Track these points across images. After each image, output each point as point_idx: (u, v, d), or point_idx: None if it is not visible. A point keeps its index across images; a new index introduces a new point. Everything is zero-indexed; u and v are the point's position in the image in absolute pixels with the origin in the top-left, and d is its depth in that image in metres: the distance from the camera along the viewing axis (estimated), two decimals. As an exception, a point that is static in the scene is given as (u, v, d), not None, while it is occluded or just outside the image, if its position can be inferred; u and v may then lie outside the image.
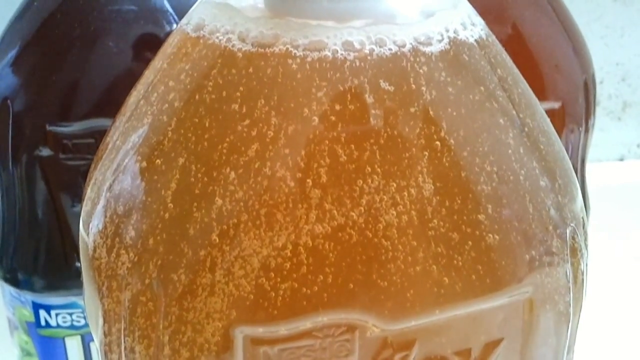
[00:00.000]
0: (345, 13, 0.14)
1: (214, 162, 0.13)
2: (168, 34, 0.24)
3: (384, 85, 0.13)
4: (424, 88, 0.13)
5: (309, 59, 0.13)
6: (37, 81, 0.24)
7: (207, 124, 0.13)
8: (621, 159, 0.45)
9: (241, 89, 0.13)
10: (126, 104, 0.16)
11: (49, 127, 0.24)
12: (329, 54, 0.13)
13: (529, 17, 0.27)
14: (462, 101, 0.14)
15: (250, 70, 0.13)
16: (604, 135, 0.44)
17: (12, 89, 0.24)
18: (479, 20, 0.16)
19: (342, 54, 0.13)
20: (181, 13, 0.24)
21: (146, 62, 0.24)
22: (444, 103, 0.13)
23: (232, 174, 0.13)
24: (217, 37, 0.14)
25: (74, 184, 0.25)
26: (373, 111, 0.13)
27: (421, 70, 0.13)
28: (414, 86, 0.13)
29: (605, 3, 0.40)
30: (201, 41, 0.14)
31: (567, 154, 0.29)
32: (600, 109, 0.43)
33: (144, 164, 0.14)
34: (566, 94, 0.27)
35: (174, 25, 0.24)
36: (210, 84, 0.14)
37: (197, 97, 0.14)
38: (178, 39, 0.15)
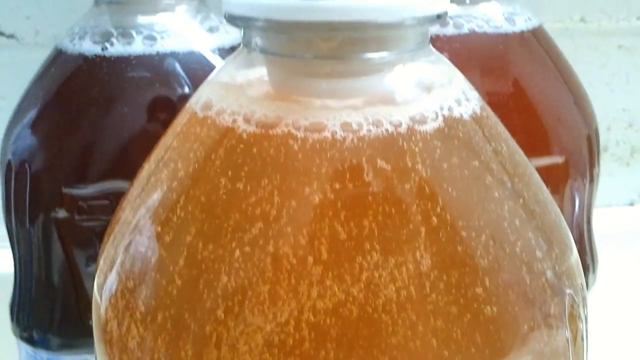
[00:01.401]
0: (343, 92, 0.15)
1: (220, 240, 0.14)
2: (180, 97, 0.25)
3: (381, 164, 0.14)
4: (419, 166, 0.14)
5: (309, 140, 0.14)
6: (53, 144, 0.25)
7: (213, 202, 0.14)
8: (631, 204, 0.45)
9: (246, 168, 0.14)
10: (138, 177, 0.17)
11: (64, 190, 0.25)
12: (329, 135, 0.14)
13: (530, 71, 0.27)
14: (457, 177, 0.14)
15: (255, 150, 0.14)
16: (613, 181, 0.44)
17: (29, 151, 0.25)
18: (473, 95, 0.16)
19: (341, 135, 0.14)
20: (192, 76, 0.25)
21: (160, 125, 0.25)
22: (439, 180, 0.14)
23: (237, 252, 0.13)
24: (224, 118, 0.15)
25: (89, 244, 0.25)
26: (371, 189, 0.14)
27: (417, 149, 0.14)
28: (410, 164, 0.14)
29: (609, 51, 0.41)
30: (209, 121, 0.15)
31: (573, 207, 0.30)
32: (609, 155, 0.43)
33: (154, 240, 0.14)
34: (569, 149, 0.28)
35: (186, 89, 0.25)
36: (217, 163, 0.14)
37: (204, 175, 0.14)
38: (187, 118, 0.16)
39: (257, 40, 0.15)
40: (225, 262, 0.13)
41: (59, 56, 0.26)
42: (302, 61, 0.15)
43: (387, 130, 0.14)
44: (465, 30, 0.27)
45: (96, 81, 0.25)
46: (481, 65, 0.27)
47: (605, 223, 0.44)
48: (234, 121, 0.15)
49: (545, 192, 0.17)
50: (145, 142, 0.25)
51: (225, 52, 0.26)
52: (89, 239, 0.25)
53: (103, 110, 0.25)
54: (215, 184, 0.14)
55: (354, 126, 0.14)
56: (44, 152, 0.25)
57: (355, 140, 0.14)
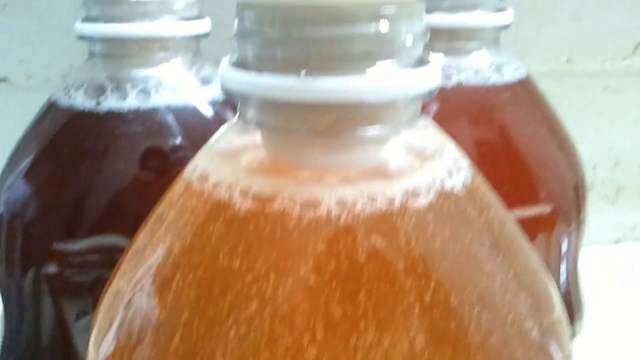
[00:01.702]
0: (338, 164, 0.15)
1: (216, 319, 0.14)
2: (174, 151, 0.25)
3: (375, 242, 0.14)
4: (413, 243, 0.14)
5: (305, 218, 0.14)
6: (45, 198, 0.25)
7: (209, 280, 0.14)
8: (617, 242, 0.46)
9: (242, 245, 0.14)
10: (133, 246, 0.17)
11: (55, 245, 0.25)
12: (324, 212, 0.14)
13: (518, 122, 0.28)
14: (450, 252, 0.15)
15: (251, 227, 0.14)
16: (600, 219, 0.44)
17: (21, 205, 0.25)
18: (464, 163, 0.17)
19: (336, 213, 0.14)
20: (187, 130, 0.25)
21: (153, 180, 0.25)
22: (432, 256, 0.14)
23: (233, 331, 0.13)
24: (220, 192, 0.15)
25: (79, 298, 0.25)
26: (366, 268, 0.14)
27: (410, 226, 0.14)
28: (403, 242, 0.14)
29: (595, 91, 0.42)
30: (205, 194, 0.15)
31: (560, 253, 0.30)
32: (595, 193, 0.44)
33: (149, 318, 0.14)
34: (557, 198, 0.28)
35: (180, 143, 0.25)
36: (213, 239, 0.15)
37: (200, 252, 0.15)
38: (184, 189, 0.16)
39: (253, 113, 0.15)
40: (221, 341, 0.13)
41: (52, 108, 0.26)
42: (297, 135, 0.15)
43: (381, 206, 0.14)
44: (454, 81, 0.27)
45: (89, 135, 0.25)
46: (470, 117, 0.27)
47: (591, 261, 0.44)
48: (231, 196, 0.15)
49: (535, 259, 0.17)
50: (138, 198, 0.25)
51: (220, 104, 0.26)
52: (79, 293, 0.25)
53: (95, 165, 0.25)
54: (211, 261, 0.14)
55: (349, 203, 0.14)
56: (36, 207, 0.25)
57: (350, 218, 0.14)
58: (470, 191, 0.16)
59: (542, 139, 0.28)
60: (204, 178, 0.16)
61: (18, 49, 0.36)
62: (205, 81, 0.27)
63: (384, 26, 0.14)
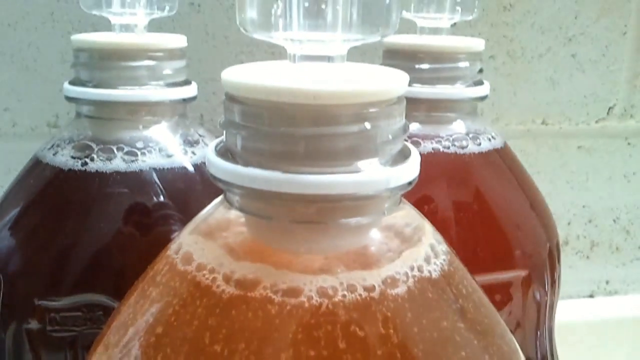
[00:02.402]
0: (319, 250, 0.16)
1: (197, 404, 0.14)
2: (156, 208, 0.26)
3: (354, 330, 0.14)
4: (391, 331, 0.15)
5: (287, 305, 0.14)
6: (28, 256, 0.25)
7: (191, 364, 0.14)
8: (591, 296, 0.47)
9: (224, 331, 0.15)
10: (117, 319, 0.17)
11: (37, 301, 0.25)
12: (305, 300, 0.15)
13: (495, 190, 0.29)
14: (428, 339, 0.15)
15: (233, 313, 0.15)
16: (574, 273, 0.45)
17: (4, 262, 0.26)
18: (442, 248, 0.17)
19: (316, 300, 0.15)
20: (171, 192, 0.26)
21: (135, 241, 0.25)
22: (410, 343, 0.15)
23: (214, 419, 0.14)
24: (204, 275, 0.15)
25: (60, 354, 0.25)
26: (345, 356, 0.14)
27: (389, 314, 0.15)
28: (382, 330, 0.15)
29: (569, 152, 0.43)
30: (189, 277, 0.16)
31: (536, 311, 0.31)
32: (569, 249, 0.45)
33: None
34: (533, 263, 0.29)
35: (164, 206, 0.26)
36: (195, 322, 0.15)
37: (182, 334, 0.15)
38: (167, 269, 0.16)
39: (237, 199, 0.16)
40: None
41: (39, 165, 0.27)
42: (280, 223, 0.16)
43: (360, 295, 0.15)
44: (432, 149, 0.28)
45: (74, 194, 0.25)
46: (449, 184, 0.28)
47: (566, 314, 0.45)
48: (214, 279, 0.15)
49: (511, 340, 0.18)
50: (121, 258, 0.25)
51: (204, 164, 0.27)
52: (60, 349, 0.25)
53: (79, 224, 0.25)
54: (194, 345, 0.15)
55: (329, 291, 0.15)
56: (19, 262, 0.25)
57: (330, 306, 0.15)
58: (446, 276, 0.17)
59: (519, 205, 0.29)
60: (187, 260, 0.16)
61: (4, 98, 0.36)
62: (190, 143, 0.27)
63: (366, 126, 0.15)
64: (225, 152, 0.16)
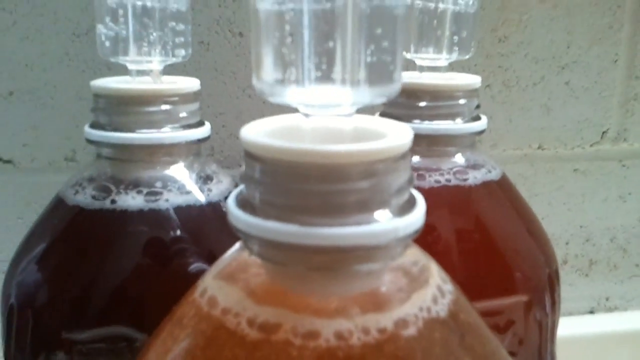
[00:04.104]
0: (335, 294, 0.17)
1: None
2: (175, 244, 0.27)
3: (369, 375, 0.16)
4: (402, 372, 0.16)
5: (307, 349, 0.16)
6: (54, 292, 0.27)
7: (219, 405, 0.16)
8: (591, 312, 0.48)
9: (250, 373, 0.16)
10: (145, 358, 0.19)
11: (64, 334, 0.26)
12: (323, 343, 0.16)
13: (495, 220, 0.30)
14: (435, 377, 0.16)
15: (257, 355, 0.16)
16: (574, 290, 0.47)
17: (31, 297, 0.27)
18: (447, 288, 0.19)
19: (333, 343, 0.16)
20: (189, 229, 0.27)
21: (156, 278, 0.27)
22: (419, 381, 0.16)
23: None
24: (229, 319, 0.17)
25: (85, 385, 0.27)
26: (360, 394, 0.16)
27: (401, 354, 0.16)
28: (394, 371, 0.16)
29: (566, 175, 0.44)
30: (214, 320, 0.17)
31: (538, 332, 0.32)
32: (569, 267, 0.46)
33: None
34: (533, 288, 0.30)
35: (179, 233, 0.27)
36: (223, 364, 0.16)
37: (211, 375, 0.16)
38: (194, 313, 0.18)
39: (256, 248, 0.17)
40: None
41: (61, 204, 0.28)
42: (296, 269, 0.17)
43: (374, 337, 0.16)
44: (433, 181, 0.29)
45: (96, 232, 0.27)
46: (450, 215, 0.29)
47: (567, 331, 0.46)
48: (238, 324, 0.17)
49: (510, 370, 0.19)
50: (141, 292, 0.27)
51: (219, 201, 0.28)
52: (85, 380, 0.27)
53: (100, 261, 0.26)
54: (222, 386, 0.16)
55: (345, 334, 0.16)
56: (45, 298, 0.27)
57: (346, 348, 0.16)
58: (453, 314, 0.18)
59: (518, 234, 0.31)
60: (212, 303, 0.18)
61: (23, 133, 0.38)
62: (205, 180, 0.29)
63: (374, 181, 0.16)
64: (244, 204, 0.17)
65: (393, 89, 0.17)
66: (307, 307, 0.17)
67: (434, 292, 0.18)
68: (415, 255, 0.19)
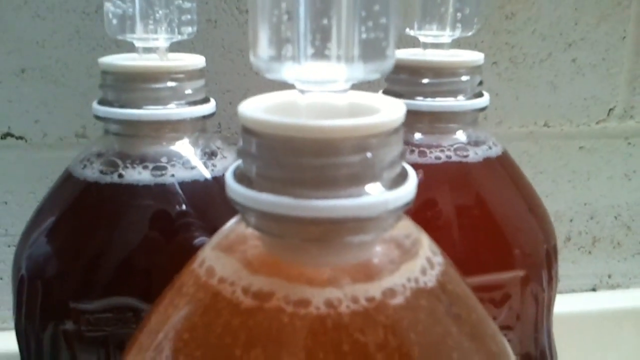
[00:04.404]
0: (327, 264, 0.18)
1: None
2: (180, 218, 0.28)
3: (357, 336, 0.16)
4: (390, 337, 0.17)
5: (297, 315, 0.17)
6: (62, 264, 0.28)
7: (214, 365, 0.17)
8: (594, 289, 0.48)
9: (243, 337, 0.17)
10: (148, 327, 0.19)
11: (72, 304, 0.27)
12: (314, 310, 0.17)
13: (496, 196, 0.31)
14: (422, 343, 0.17)
15: (251, 321, 0.17)
16: (577, 267, 0.47)
17: (41, 268, 0.28)
18: (437, 260, 0.19)
19: (323, 311, 0.17)
20: (193, 203, 0.28)
21: (160, 250, 0.27)
22: (407, 347, 0.17)
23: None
24: (225, 287, 0.18)
25: (93, 352, 0.28)
26: (349, 359, 0.16)
27: (388, 322, 0.17)
28: (382, 336, 0.17)
29: (571, 152, 0.44)
30: (211, 289, 0.18)
31: (534, 306, 0.33)
32: (572, 244, 0.47)
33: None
34: (530, 263, 0.31)
35: (184, 207, 0.28)
36: (218, 330, 0.17)
37: (207, 339, 0.17)
38: (193, 282, 0.19)
39: (253, 220, 0.18)
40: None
41: (70, 178, 0.29)
42: (291, 241, 0.18)
43: (363, 305, 0.17)
44: (435, 158, 0.30)
45: (104, 206, 0.28)
46: (452, 192, 0.30)
47: (570, 307, 0.47)
48: (234, 292, 0.17)
49: (498, 339, 0.20)
50: (147, 263, 0.27)
51: (223, 176, 0.29)
52: (93, 347, 0.28)
53: (108, 233, 0.27)
54: (217, 349, 0.17)
55: (335, 303, 0.17)
56: (54, 269, 0.28)
57: (336, 316, 0.17)
58: (441, 285, 0.19)
59: (518, 210, 0.31)
60: (210, 274, 0.18)
61: (35, 110, 0.39)
62: (210, 156, 0.29)
63: (366, 155, 0.17)
64: (242, 178, 0.18)
65: (386, 65, 0.18)
66: (300, 276, 0.18)
67: (423, 264, 0.19)
68: (407, 227, 0.20)
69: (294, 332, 0.16)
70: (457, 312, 0.18)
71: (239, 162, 0.19)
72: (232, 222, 0.20)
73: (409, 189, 0.18)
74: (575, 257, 0.47)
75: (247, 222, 0.19)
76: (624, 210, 0.46)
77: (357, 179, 0.17)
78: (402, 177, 0.18)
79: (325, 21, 0.17)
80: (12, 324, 0.41)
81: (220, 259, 0.19)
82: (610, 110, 0.44)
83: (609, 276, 0.48)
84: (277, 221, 0.17)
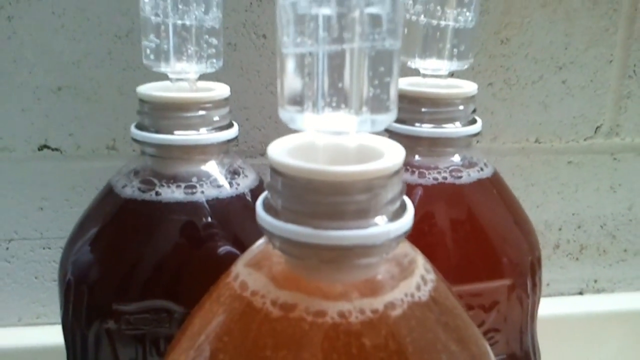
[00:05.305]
0: (340, 280, 0.22)
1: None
2: (209, 230, 0.32)
3: (364, 341, 0.20)
4: (390, 342, 0.21)
5: (316, 324, 0.20)
6: (106, 270, 0.32)
7: (249, 365, 0.21)
8: (581, 293, 0.52)
9: (272, 341, 0.21)
10: (189, 331, 0.23)
11: (114, 306, 0.31)
12: (329, 320, 0.20)
13: (486, 213, 0.34)
14: (417, 347, 0.21)
15: (278, 328, 0.21)
16: (565, 273, 0.51)
17: (87, 274, 0.32)
18: (430, 277, 0.23)
19: (337, 320, 0.20)
20: (220, 218, 0.32)
21: (190, 260, 0.31)
22: (404, 351, 0.21)
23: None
24: (256, 299, 0.21)
25: (132, 348, 0.32)
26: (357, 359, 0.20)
27: (389, 330, 0.21)
28: (383, 341, 0.20)
29: (560, 166, 0.48)
30: (245, 300, 0.22)
31: (519, 311, 0.36)
32: (560, 251, 0.50)
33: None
34: (516, 273, 0.34)
35: (212, 221, 0.32)
36: (252, 334, 0.21)
37: (242, 342, 0.21)
38: (229, 294, 0.22)
39: (278, 244, 0.22)
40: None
41: (111, 193, 0.33)
42: (309, 262, 0.22)
43: (369, 316, 0.21)
44: (433, 178, 0.34)
45: (140, 220, 0.31)
46: (447, 209, 0.34)
47: (557, 310, 0.50)
48: (264, 303, 0.21)
49: (480, 343, 0.23)
50: (180, 270, 0.31)
51: (245, 193, 0.33)
52: (132, 343, 0.32)
53: (145, 244, 0.31)
54: (250, 351, 0.21)
55: (346, 314, 0.21)
56: (98, 275, 0.32)
57: (346, 324, 0.20)
58: (433, 299, 0.22)
59: (506, 225, 0.35)
60: (244, 287, 0.22)
61: (69, 124, 0.43)
62: (233, 175, 0.33)
63: (372, 194, 0.21)
64: (269, 208, 0.22)
65: (390, 118, 0.21)
66: (317, 291, 0.21)
67: (418, 281, 0.22)
68: (406, 248, 0.23)
69: (313, 338, 0.20)
70: (445, 321, 0.22)
71: (267, 193, 0.23)
72: (260, 242, 0.24)
73: (407, 220, 0.22)
74: (563, 263, 0.51)
75: (273, 245, 0.22)
76: (610, 220, 0.50)
77: (364, 213, 0.21)
78: (402, 209, 0.22)
79: (339, 84, 0.20)
80: (45, 319, 0.45)
81: (252, 275, 0.22)
82: (597, 128, 0.47)
83: (595, 281, 0.52)
84: (298, 246, 0.21)
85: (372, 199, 0.21)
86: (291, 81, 0.21)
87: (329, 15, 0.20)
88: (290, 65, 0.21)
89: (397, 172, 0.22)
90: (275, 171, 0.21)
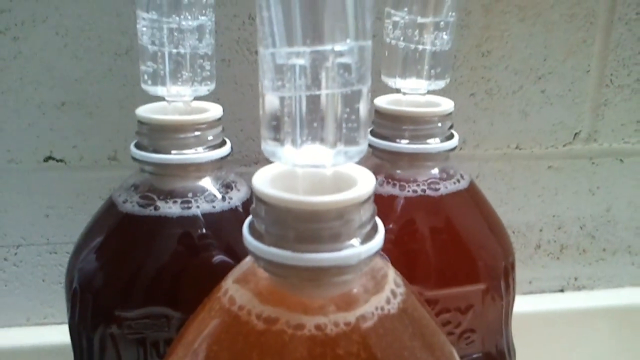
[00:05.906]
0: (318, 296, 0.24)
1: (240, 398, 0.23)
2: (199, 236, 0.34)
3: (338, 351, 0.23)
4: (362, 352, 0.23)
5: (295, 336, 0.23)
6: (108, 277, 0.34)
7: (235, 373, 0.23)
8: (562, 290, 0.55)
9: (256, 351, 0.23)
10: (184, 340, 0.26)
11: (117, 312, 0.34)
12: (307, 332, 0.23)
13: (463, 221, 0.37)
14: (387, 355, 0.23)
15: (262, 340, 0.23)
16: (546, 271, 0.53)
17: (91, 283, 0.34)
18: (399, 290, 0.25)
19: (314, 332, 0.23)
20: (214, 231, 0.34)
21: (187, 270, 0.34)
22: (374, 359, 0.23)
23: (251, 406, 0.22)
24: (243, 314, 0.24)
25: (134, 351, 0.34)
26: (332, 368, 0.23)
27: (360, 340, 0.23)
28: (355, 351, 0.23)
29: (540, 170, 0.50)
30: (232, 314, 0.24)
31: (494, 313, 0.39)
32: (542, 251, 0.53)
33: (199, 394, 0.23)
34: (490, 278, 0.37)
35: (206, 232, 0.34)
36: (239, 345, 0.23)
37: (230, 352, 0.23)
38: (219, 307, 0.25)
39: (262, 263, 0.24)
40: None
41: (112, 208, 0.35)
42: (290, 280, 0.24)
43: (342, 329, 0.23)
44: (413, 190, 0.36)
45: (140, 233, 0.34)
46: (426, 219, 0.36)
47: (539, 307, 0.53)
48: (249, 317, 0.24)
49: (447, 350, 0.26)
50: (177, 281, 0.34)
51: (238, 206, 0.35)
52: (134, 346, 0.34)
53: (145, 254, 0.34)
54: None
55: (322, 326, 0.23)
56: (102, 283, 0.34)
57: (323, 336, 0.23)
58: (401, 311, 0.25)
59: (482, 233, 0.37)
60: (232, 302, 0.25)
61: (73, 137, 0.45)
62: (226, 189, 0.36)
63: (345, 220, 0.23)
64: (254, 231, 0.24)
65: (361, 151, 0.24)
66: (297, 306, 0.24)
67: (388, 295, 0.25)
68: (379, 264, 0.26)
69: (293, 349, 0.23)
70: (413, 331, 0.25)
71: (252, 218, 0.25)
72: (247, 260, 0.26)
73: (378, 240, 0.24)
74: (545, 262, 0.53)
75: (257, 264, 0.25)
76: (589, 222, 0.52)
77: (338, 237, 0.23)
78: (373, 231, 0.24)
79: (315, 123, 0.23)
80: (52, 319, 0.48)
81: (239, 291, 0.25)
82: (576, 134, 0.50)
83: (575, 279, 0.54)
84: (280, 267, 0.24)
85: (345, 224, 0.23)
86: (272, 119, 0.23)
87: (304, 65, 0.22)
88: (271, 105, 0.23)
89: (367, 200, 0.24)
90: (259, 200, 0.24)
